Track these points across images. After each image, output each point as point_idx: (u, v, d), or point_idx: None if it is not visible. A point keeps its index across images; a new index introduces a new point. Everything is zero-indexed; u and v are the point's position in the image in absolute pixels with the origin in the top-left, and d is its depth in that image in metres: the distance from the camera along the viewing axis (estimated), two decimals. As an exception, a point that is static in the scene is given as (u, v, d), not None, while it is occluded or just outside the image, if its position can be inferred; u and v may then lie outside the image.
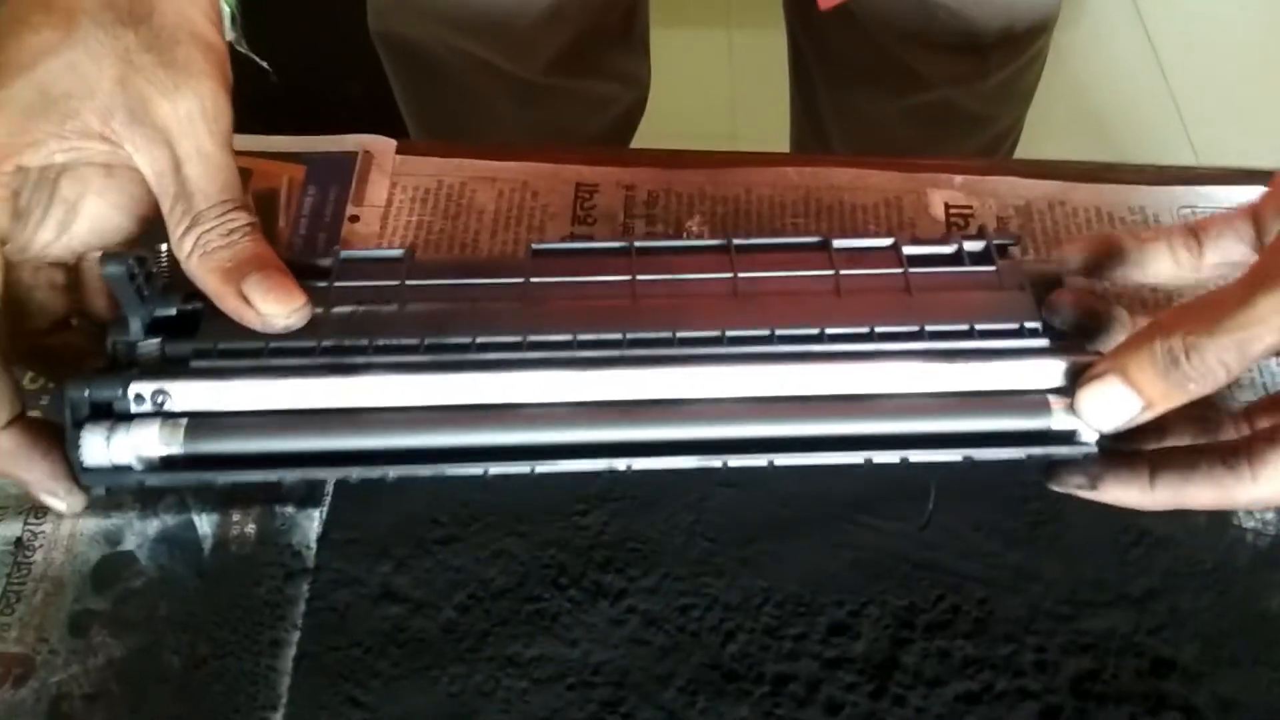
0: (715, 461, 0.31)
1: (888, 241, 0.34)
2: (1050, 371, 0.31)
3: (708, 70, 1.46)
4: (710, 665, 0.32)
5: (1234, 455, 0.29)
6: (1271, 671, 0.32)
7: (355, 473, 0.31)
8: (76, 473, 0.31)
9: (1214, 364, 0.28)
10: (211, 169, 0.30)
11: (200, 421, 0.30)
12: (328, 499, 0.35)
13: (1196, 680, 0.32)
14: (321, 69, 0.93)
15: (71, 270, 0.33)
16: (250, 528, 0.34)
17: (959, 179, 0.43)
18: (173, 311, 0.32)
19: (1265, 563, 0.34)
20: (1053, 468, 0.32)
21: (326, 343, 0.31)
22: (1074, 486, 0.31)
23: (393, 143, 0.43)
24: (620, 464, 0.31)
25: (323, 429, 0.30)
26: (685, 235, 0.41)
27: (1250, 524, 0.35)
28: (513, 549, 0.34)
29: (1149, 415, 0.29)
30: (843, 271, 0.33)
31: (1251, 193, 0.40)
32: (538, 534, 0.34)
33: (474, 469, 0.30)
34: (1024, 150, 0.68)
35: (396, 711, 0.31)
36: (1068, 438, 0.31)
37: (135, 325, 0.31)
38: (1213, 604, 0.33)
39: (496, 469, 0.30)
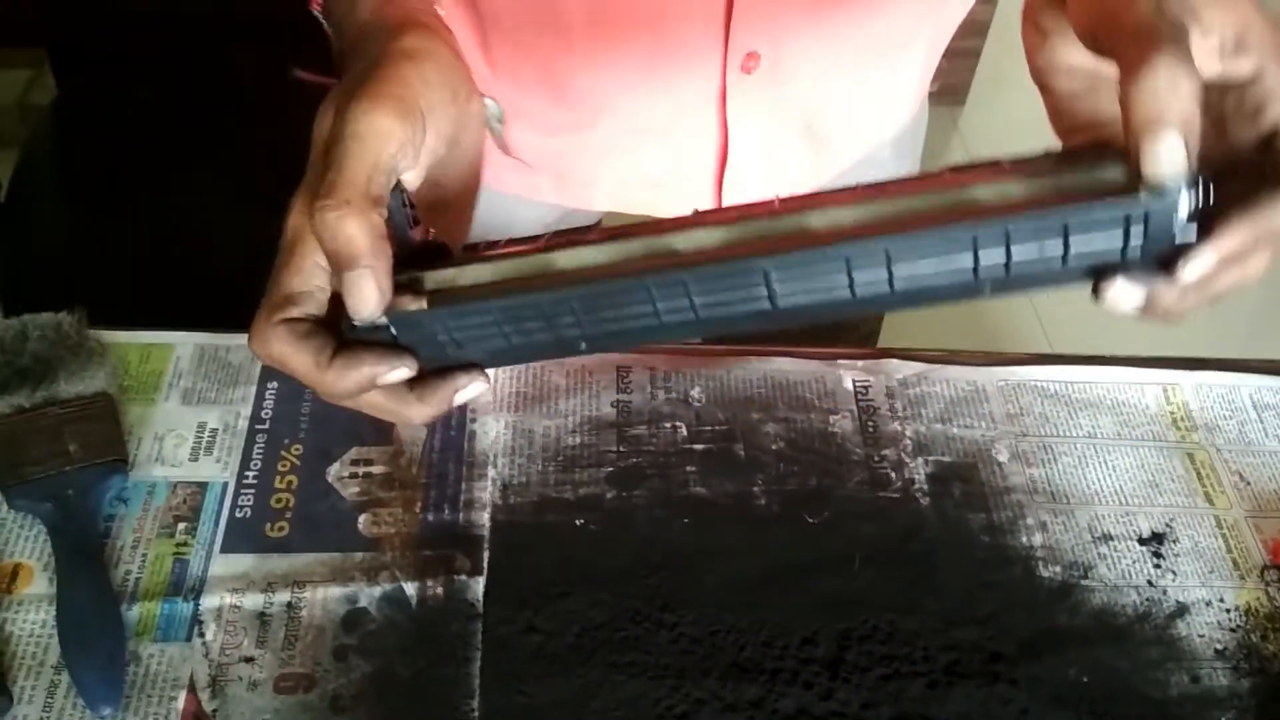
0: (842, 280, 0.36)
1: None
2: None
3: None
4: (732, 664, 0.53)
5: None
6: (1061, 659, 0.54)
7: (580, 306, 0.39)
8: (346, 331, 0.40)
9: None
10: None
11: (442, 293, 0.40)
12: (486, 571, 0.55)
13: (1016, 664, 0.54)
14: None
15: None
16: (439, 589, 0.54)
17: (860, 363, 0.66)
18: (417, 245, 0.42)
19: (1056, 597, 0.57)
20: (1167, 262, 0.37)
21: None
22: (1193, 261, 0.36)
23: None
24: (761, 292, 0.37)
25: (543, 285, 0.39)
26: (690, 401, 0.63)
27: (1046, 574, 0.58)
28: (605, 599, 0.54)
29: (1197, 113, 0.34)
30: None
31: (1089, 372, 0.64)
32: (621, 590, 0.55)
33: (680, 298, 0.38)
34: (907, 332, 0.93)
35: (545, 698, 0.51)
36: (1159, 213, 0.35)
37: (400, 236, 0.40)
38: (1025, 621, 0.56)
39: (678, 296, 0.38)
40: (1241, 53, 0.37)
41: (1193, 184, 0.35)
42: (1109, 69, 0.37)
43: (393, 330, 0.40)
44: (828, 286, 0.37)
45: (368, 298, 0.38)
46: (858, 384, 0.65)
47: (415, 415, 0.43)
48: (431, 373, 0.42)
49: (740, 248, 0.37)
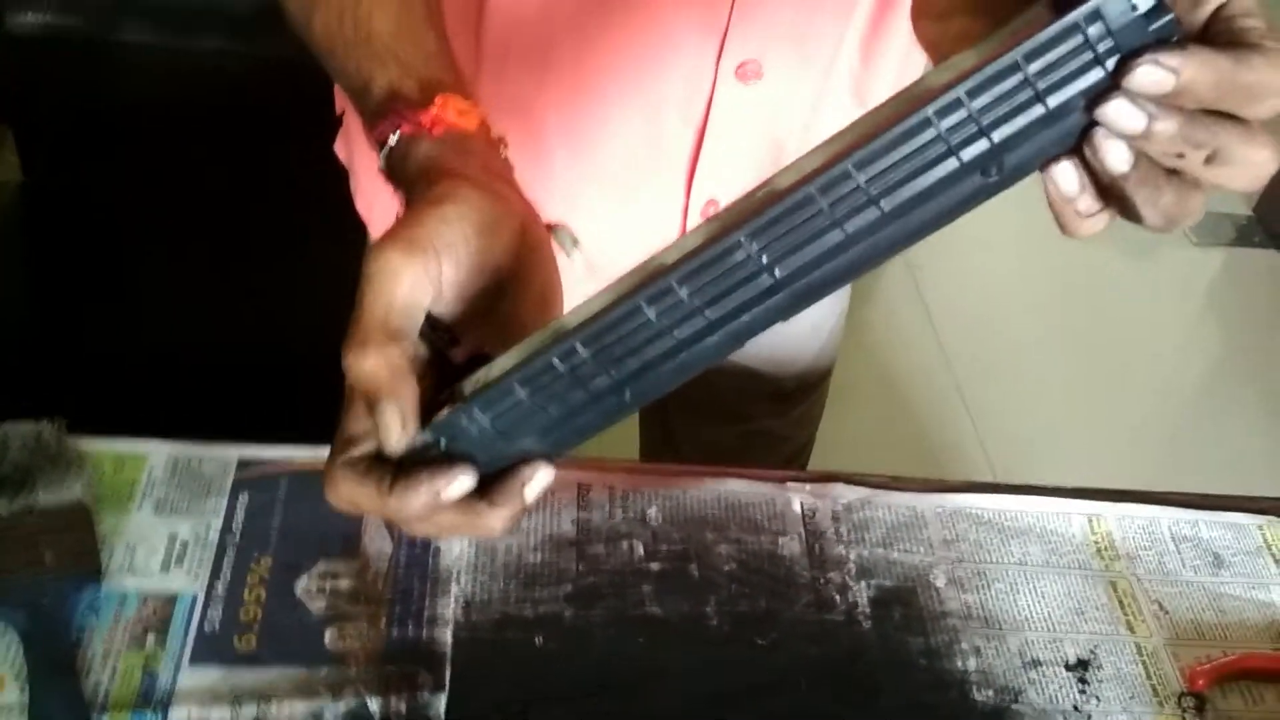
0: (824, 222, 0.35)
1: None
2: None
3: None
4: (684, 783, 0.55)
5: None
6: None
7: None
8: (406, 459, 0.41)
9: None
10: None
11: (476, 391, 0.40)
12: (448, 687, 0.57)
13: (951, 786, 0.57)
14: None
15: None
16: (402, 706, 0.56)
17: (808, 486, 0.70)
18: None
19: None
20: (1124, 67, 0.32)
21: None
22: (1162, 73, 0.32)
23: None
24: (754, 268, 0.36)
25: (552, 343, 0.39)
26: (647, 521, 0.66)
27: (980, 698, 0.61)
28: (563, 718, 0.57)
29: None
30: None
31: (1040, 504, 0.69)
32: (578, 709, 0.57)
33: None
34: (854, 454, 0.98)
35: (503, 815, 0.53)
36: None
37: (440, 360, 0.43)
38: (960, 744, 0.59)
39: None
40: None
41: None
42: None
43: (442, 444, 0.41)
44: (815, 234, 0.36)
45: (390, 428, 0.40)
46: (805, 507, 0.69)
47: (494, 523, 0.42)
48: (496, 475, 0.42)
49: (717, 233, 0.36)
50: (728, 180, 0.67)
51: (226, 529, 0.61)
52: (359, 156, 0.76)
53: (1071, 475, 0.74)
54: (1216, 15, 0.35)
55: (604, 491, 0.67)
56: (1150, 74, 0.32)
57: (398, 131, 0.47)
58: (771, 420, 0.92)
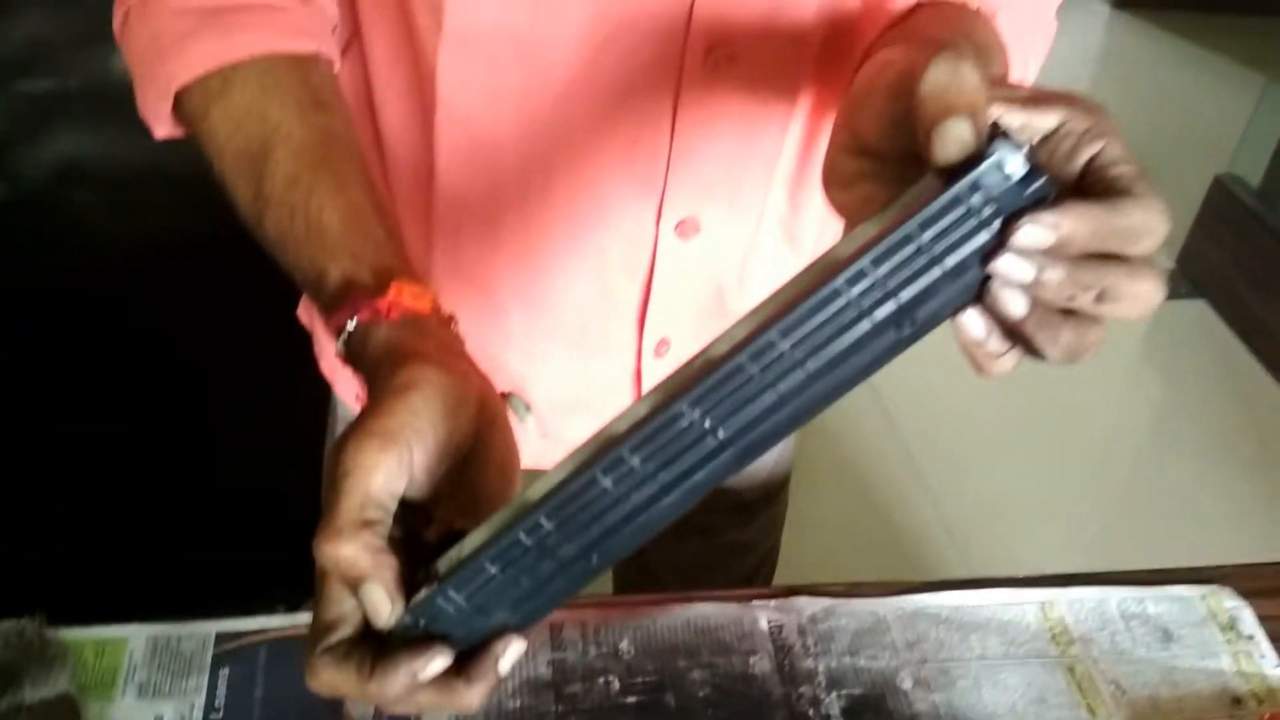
0: (757, 387, 0.38)
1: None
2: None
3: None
4: None
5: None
6: None
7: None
8: (388, 640, 0.43)
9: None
10: None
11: (450, 569, 0.43)
12: (441, 845, 0.58)
13: None
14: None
15: None
16: None
17: (773, 603, 0.73)
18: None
19: (966, 819, 0.63)
20: (1009, 229, 0.36)
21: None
22: (1042, 231, 0.36)
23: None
24: (698, 433, 0.39)
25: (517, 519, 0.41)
26: (620, 654, 0.68)
27: (955, 797, 0.63)
28: None
29: (978, 80, 0.36)
30: None
31: (1014, 595, 0.72)
32: None
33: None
34: (813, 541, 1.01)
35: None
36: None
37: (412, 540, 0.44)
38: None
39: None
40: (1042, 106, 0.39)
41: (1010, 143, 0.35)
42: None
43: (420, 624, 0.43)
44: (751, 397, 0.38)
45: (379, 606, 0.42)
46: (772, 624, 0.71)
47: (470, 699, 0.44)
48: (472, 651, 0.45)
49: (661, 403, 0.39)
50: (677, 323, 0.71)
51: (210, 707, 0.63)
52: (320, 322, 0.79)
53: (1031, 537, 0.78)
54: (1090, 165, 0.39)
55: (576, 629, 0.70)
56: (1030, 234, 0.36)
57: (355, 319, 0.50)
58: (736, 531, 0.95)
